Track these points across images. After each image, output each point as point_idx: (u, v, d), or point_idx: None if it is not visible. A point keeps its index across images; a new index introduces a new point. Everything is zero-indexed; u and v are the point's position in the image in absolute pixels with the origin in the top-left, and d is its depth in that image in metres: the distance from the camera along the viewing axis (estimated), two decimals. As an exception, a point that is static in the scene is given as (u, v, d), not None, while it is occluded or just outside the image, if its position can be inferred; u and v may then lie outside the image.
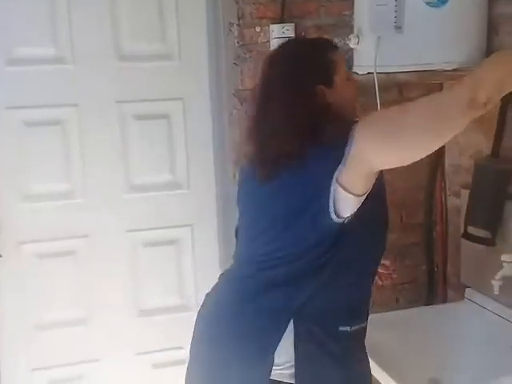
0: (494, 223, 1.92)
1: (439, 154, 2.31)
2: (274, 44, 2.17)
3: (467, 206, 2.03)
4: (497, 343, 1.90)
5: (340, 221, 1.37)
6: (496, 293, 1.85)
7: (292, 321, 1.40)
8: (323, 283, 1.41)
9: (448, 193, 2.34)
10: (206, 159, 2.30)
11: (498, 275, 1.83)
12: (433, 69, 1.87)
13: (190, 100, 2.27)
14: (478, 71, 1.30)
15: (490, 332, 1.96)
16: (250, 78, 2.20)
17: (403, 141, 1.31)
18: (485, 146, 2.01)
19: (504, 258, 1.83)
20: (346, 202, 1.36)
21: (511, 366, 1.81)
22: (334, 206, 1.35)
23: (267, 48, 2.19)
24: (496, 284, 1.83)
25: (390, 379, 1.70)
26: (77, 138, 2.20)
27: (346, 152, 1.33)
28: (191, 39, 2.24)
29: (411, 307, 2.31)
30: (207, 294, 1.61)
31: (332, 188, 1.34)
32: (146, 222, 2.28)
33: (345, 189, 1.35)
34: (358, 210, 1.38)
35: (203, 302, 1.60)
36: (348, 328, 1.44)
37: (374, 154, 1.33)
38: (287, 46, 1.55)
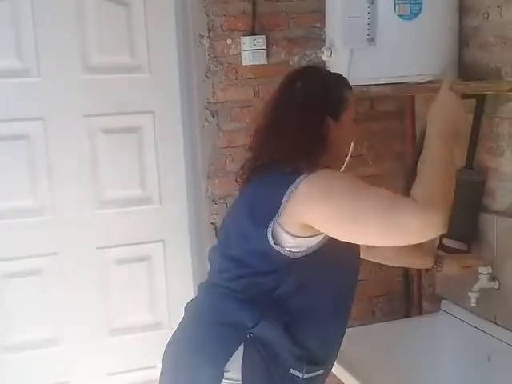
0: (469, 235, 1.93)
1: (413, 165, 2.30)
2: (246, 56, 2.16)
3: (442, 217, 2.03)
4: (473, 355, 1.91)
5: (284, 252, 1.36)
6: (473, 304, 1.85)
7: (243, 342, 1.38)
8: (281, 317, 1.39)
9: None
10: (178, 173, 2.26)
11: (475, 287, 1.84)
12: (405, 81, 1.87)
13: (161, 113, 2.23)
14: (424, 188, 1.33)
15: (466, 344, 1.97)
16: (222, 90, 2.18)
17: (338, 218, 1.31)
18: (459, 158, 2.01)
19: (480, 270, 1.84)
20: (285, 240, 1.36)
21: (488, 377, 1.82)
22: (273, 238, 1.35)
23: (238, 60, 2.17)
24: (473, 296, 1.84)
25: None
26: (43, 152, 2.13)
27: (286, 196, 1.33)
28: (161, 51, 2.20)
29: (388, 320, 2.31)
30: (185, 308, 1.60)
31: (271, 224, 1.35)
32: (116, 239, 2.22)
33: (283, 229, 1.35)
34: (314, 246, 1.37)
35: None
36: (300, 374, 1.41)
37: (305, 214, 1.33)
38: (309, 72, 1.56)
